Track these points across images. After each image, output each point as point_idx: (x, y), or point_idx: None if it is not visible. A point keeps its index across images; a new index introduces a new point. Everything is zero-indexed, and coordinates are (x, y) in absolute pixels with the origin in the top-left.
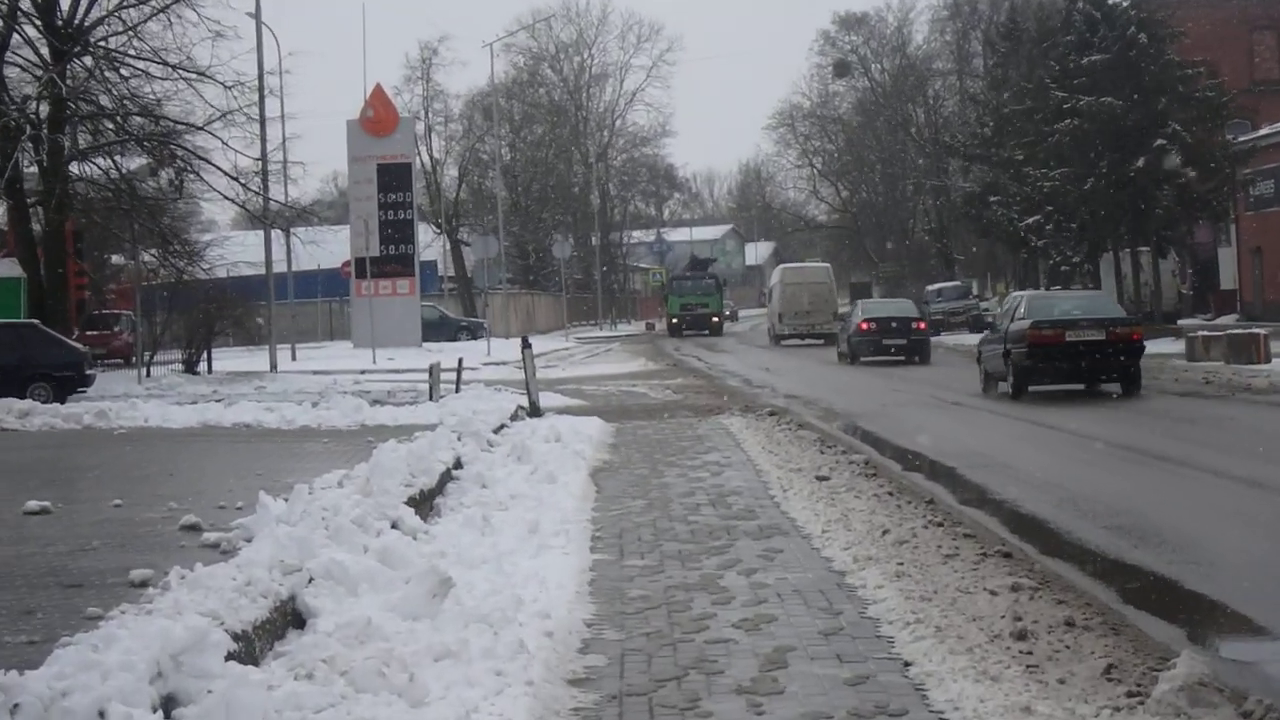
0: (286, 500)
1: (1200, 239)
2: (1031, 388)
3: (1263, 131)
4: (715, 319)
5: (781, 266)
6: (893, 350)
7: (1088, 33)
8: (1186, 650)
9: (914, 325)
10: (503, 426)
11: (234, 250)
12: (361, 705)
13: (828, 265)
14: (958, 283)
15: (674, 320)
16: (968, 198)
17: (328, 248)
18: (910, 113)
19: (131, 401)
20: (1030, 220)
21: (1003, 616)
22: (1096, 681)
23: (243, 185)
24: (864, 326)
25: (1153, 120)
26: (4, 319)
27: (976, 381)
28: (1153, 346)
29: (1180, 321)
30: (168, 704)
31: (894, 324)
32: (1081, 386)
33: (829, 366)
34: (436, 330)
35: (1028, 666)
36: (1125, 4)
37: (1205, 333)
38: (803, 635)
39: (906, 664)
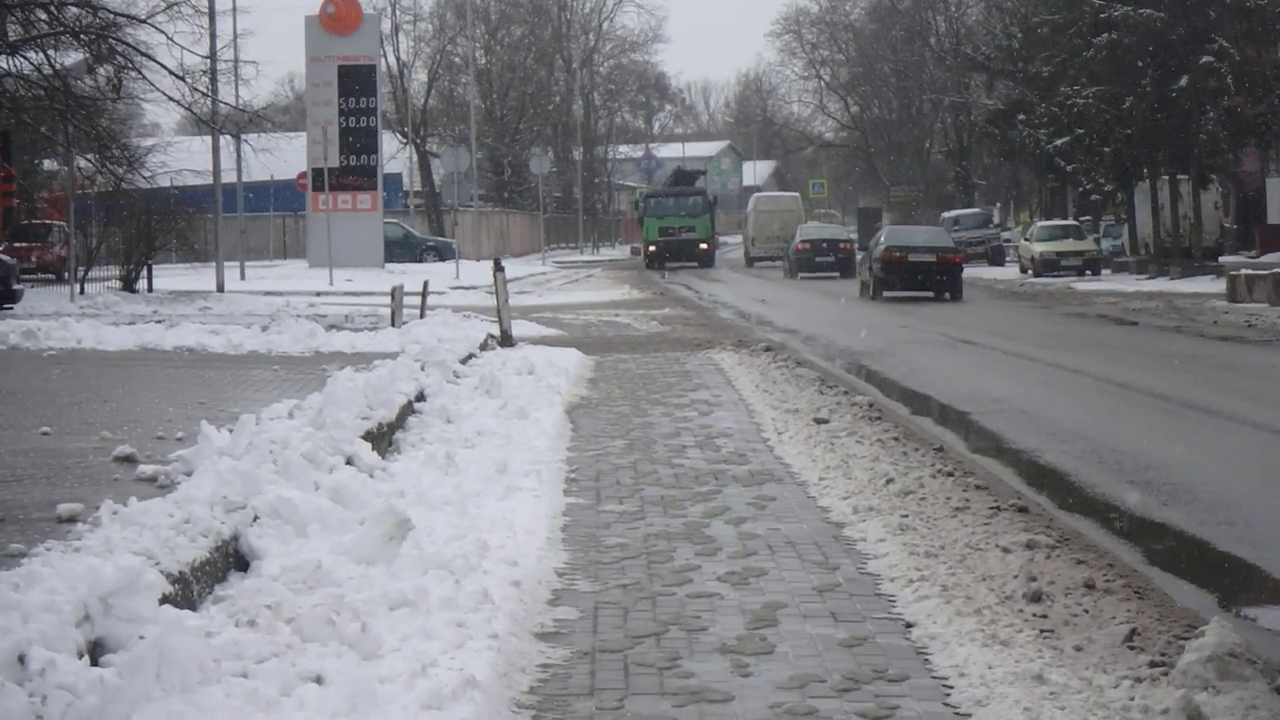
0: (231, 431)
1: (1246, 168)
2: (885, 293)
3: None
4: (703, 246)
5: (755, 195)
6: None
7: None
8: (1216, 617)
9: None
10: (471, 357)
11: (179, 157)
12: (308, 656)
13: (797, 195)
14: (977, 210)
15: (651, 248)
16: (991, 116)
17: (282, 157)
18: (930, 21)
19: (63, 321)
20: (1059, 143)
21: (1016, 576)
22: (1117, 649)
23: (189, 85)
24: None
25: (1199, 35)
26: None
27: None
28: (1190, 285)
29: (1222, 259)
30: (95, 649)
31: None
32: (928, 294)
33: (831, 300)
34: (400, 250)
35: (1042, 631)
36: None
37: (1249, 271)
38: (795, 591)
39: (908, 625)
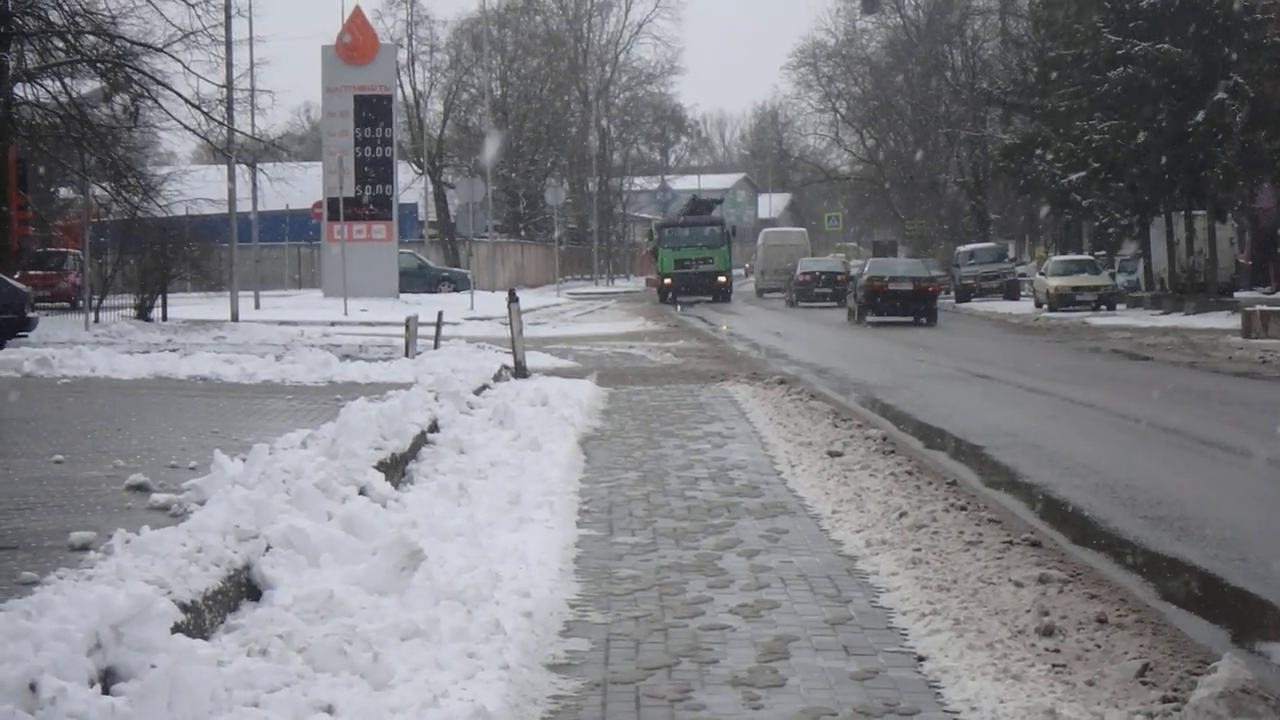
0: (244, 460)
1: (1262, 204)
2: (869, 317)
3: None
4: (721, 279)
5: (765, 231)
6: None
7: None
8: (1229, 653)
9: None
10: (484, 388)
11: (194, 186)
12: (319, 686)
13: (804, 230)
14: (993, 244)
15: (665, 281)
16: (1006, 150)
17: (297, 186)
18: (946, 55)
19: (77, 349)
20: (1075, 177)
21: (1028, 610)
22: (1129, 684)
23: (205, 114)
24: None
25: (1215, 70)
26: None
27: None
28: (1205, 321)
29: (1237, 294)
30: (107, 678)
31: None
32: (907, 319)
33: (842, 329)
34: (415, 281)
35: (1054, 666)
36: None
37: (1264, 307)
38: (807, 624)
39: (920, 659)
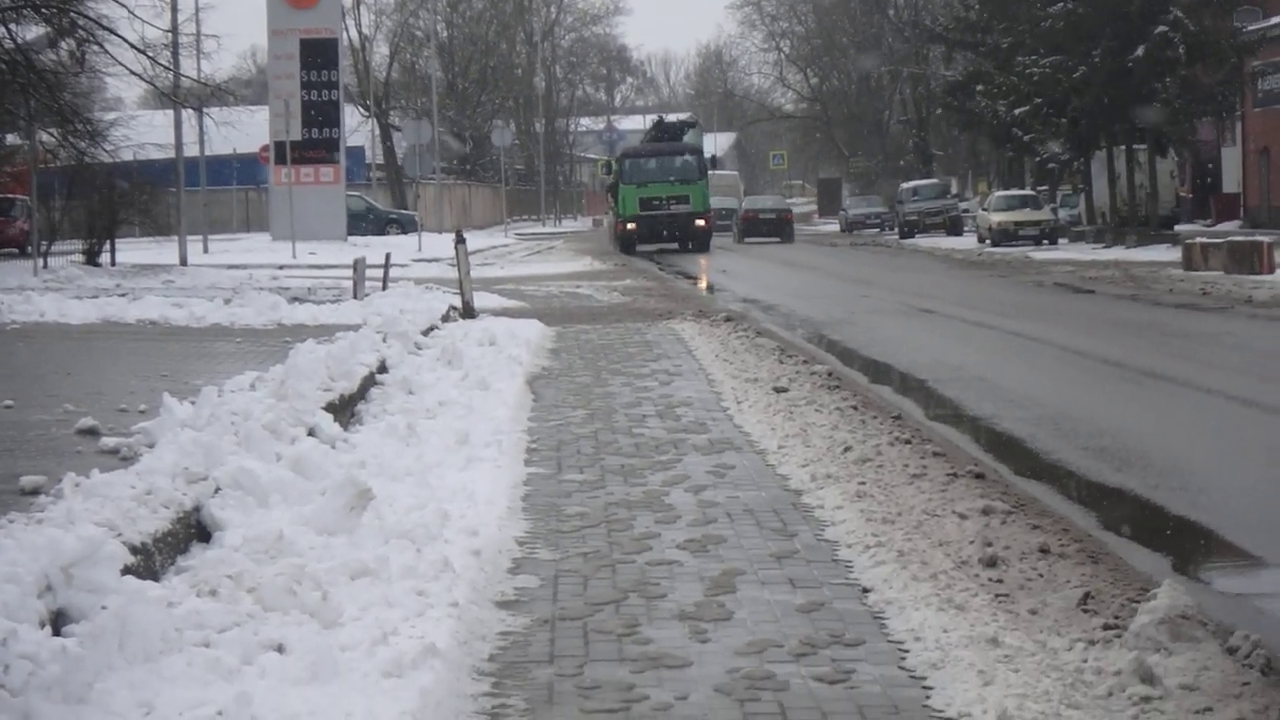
0: (193, 403)
1: (1202, 137)
2: (746, 239)
3: (1274, 20)
4: (700, 223)
5: None
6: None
7: None
8: (1169, 580)
9: (785, 216)
10: (432, 328)
11: (141, 131)
12: (269, 625)
13: (737, 173)
14: (936, 181)
15: (629, 226)
16: (949, 87)
17: (244, 130)
18: None
19: (26, 294)
20: (1017, 113)
21: (972, 542)
22: (1071, 612)
23: (151, 59)
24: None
25: (1155, 5)
26: None
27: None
28: (1146, 254)
29: (1178, 227)
30: (58, 619)
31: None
32: (774, 239)
33: (787, 265)
34: (363, 223)
35: (997, 595)
36: None
37: (1204, 240)
38: (753, 558)
39: (865, 590)
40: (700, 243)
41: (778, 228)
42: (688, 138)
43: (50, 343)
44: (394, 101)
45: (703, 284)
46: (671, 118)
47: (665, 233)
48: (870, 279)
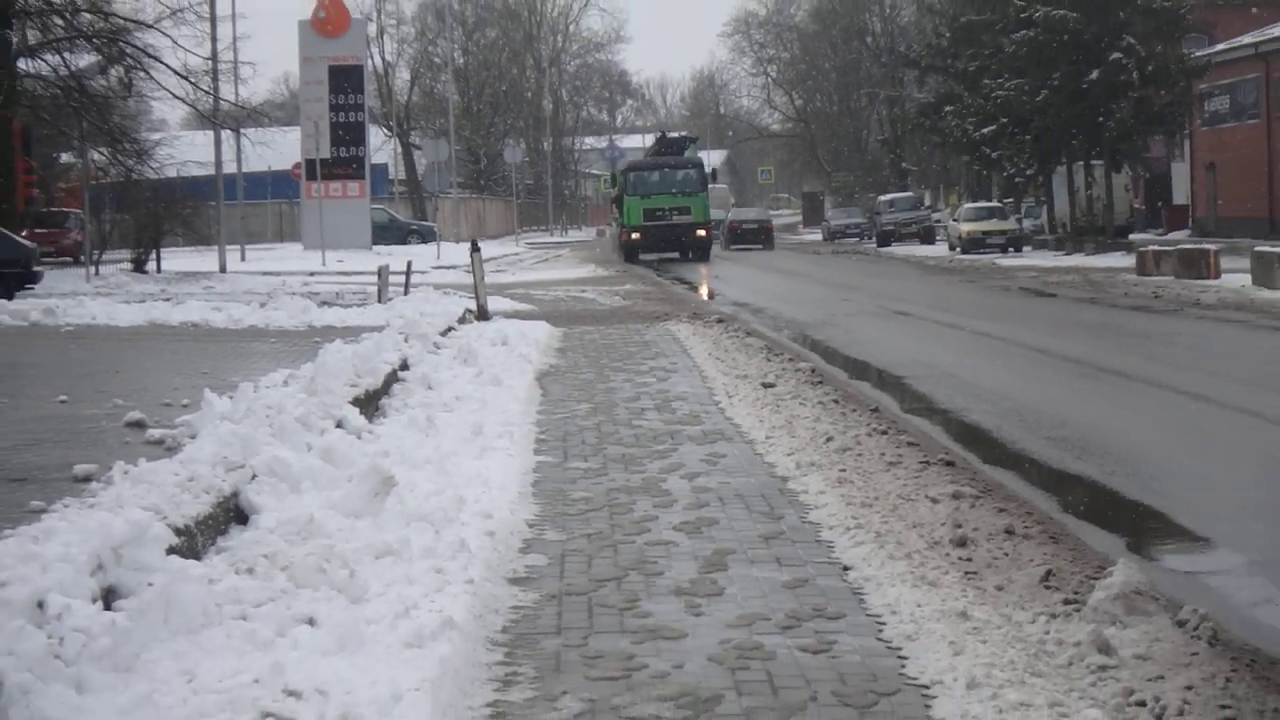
0: (231, 398)
1: (1154, 154)
2: (733, 246)
3: (1219, 47)
4: (700, 233)
5: None
6: (749, 239)
7: None
8: (1124, 559)
9: (766, 226)
10: (450, 329)
11: (183, 150)
12: (301, 600)
13: (727, 187)
14: (910, 194)
15: (633, 236)
16: (922, 108)
17: (278, 149)
18: (866, 22)
19: (79, 299)
20: (984, 131)
21: (943, 524)
22: (1034, 589)
23: (192, 84)
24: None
25: (1110, 32)
26: None
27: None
28: (1103, 260)
29: (1132, 236)
30: (108, 595)
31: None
32: (756, 246)
33: (773, 272)
34: (386, 233)
35: (966, 573)
36: None
37: (1156, 247)
38: (743, 539)
39: (845, 568)
40: (701, 252)
41: (760, 236)
42: (688, 152)
43: (100, 343)
44: (414, 122)
45: (704, 291)
46: (672, 134)
47: (668, 242)
48: (850, 284)
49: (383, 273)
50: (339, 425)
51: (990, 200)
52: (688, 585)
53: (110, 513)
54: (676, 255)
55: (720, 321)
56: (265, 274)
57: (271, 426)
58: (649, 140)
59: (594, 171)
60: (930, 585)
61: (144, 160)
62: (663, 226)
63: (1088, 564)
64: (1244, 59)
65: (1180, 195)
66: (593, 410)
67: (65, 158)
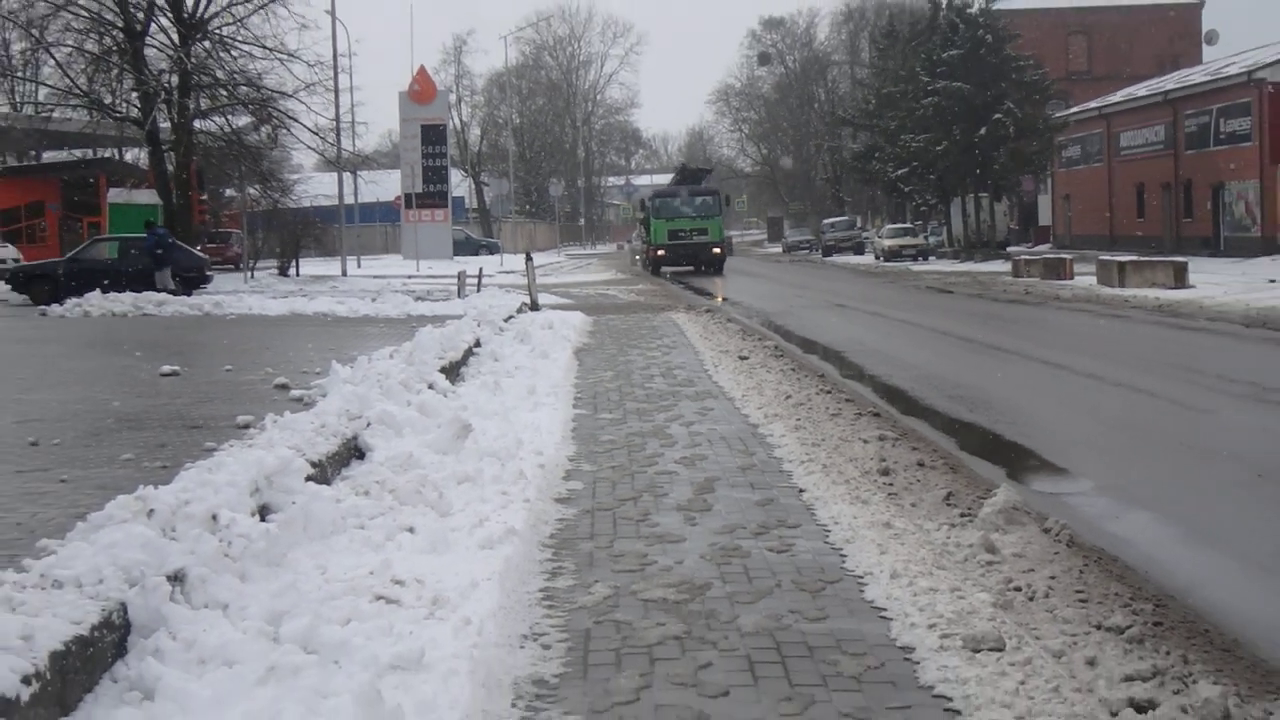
0: (351, 367)
1: (1026, 188)
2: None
3: (1073, 110)
4: (716, 250)
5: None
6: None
7: (948, 33)
8: (1004, 484)
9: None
10: (510, 318)
11: (315, 187)
12: (404, 514)
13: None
14: (846, 217)
15: (659, 252)
16: (855, 155)
17: (384, 185)
18: (814, 92)
19: (239, 295)
20: (900, 173)
21: (871, 459)
22: (939, 505)
23: (321, 138)
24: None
25: (993, 99)
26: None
27: (862, 290)
28: (988, 266)
29: (1009, 248)
30: (263, 511)
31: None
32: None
33: (747, 277)
34: (463, 247)
35: (889, 494)
36: (975, 12)
37: (1027, 257)
38: (726, 469)
39: (800, 491)
40: (716, 267)
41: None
42: (705, 182)
43: (255, 328)
44: (483, 165)
45: (719, 299)
46: (692, 166)
47: (688, 258)
48: (803, 284)
49: (461, 276)
50: (430, 387)
51: (905, 222)
52: (685, 503)
53: (264, 450)
54: (690, 269)
55: (708, 311)
56: (375, 277)
57: (381, 388)
58: (657, 179)
59: (615, 202)
60: (863, 503)
61: (286, 194)
62: (684, 245)
63: (978, 487)
64: (1091, 118)
65: (1045, 218)
66: (615, 376)
67: (229, 192)
